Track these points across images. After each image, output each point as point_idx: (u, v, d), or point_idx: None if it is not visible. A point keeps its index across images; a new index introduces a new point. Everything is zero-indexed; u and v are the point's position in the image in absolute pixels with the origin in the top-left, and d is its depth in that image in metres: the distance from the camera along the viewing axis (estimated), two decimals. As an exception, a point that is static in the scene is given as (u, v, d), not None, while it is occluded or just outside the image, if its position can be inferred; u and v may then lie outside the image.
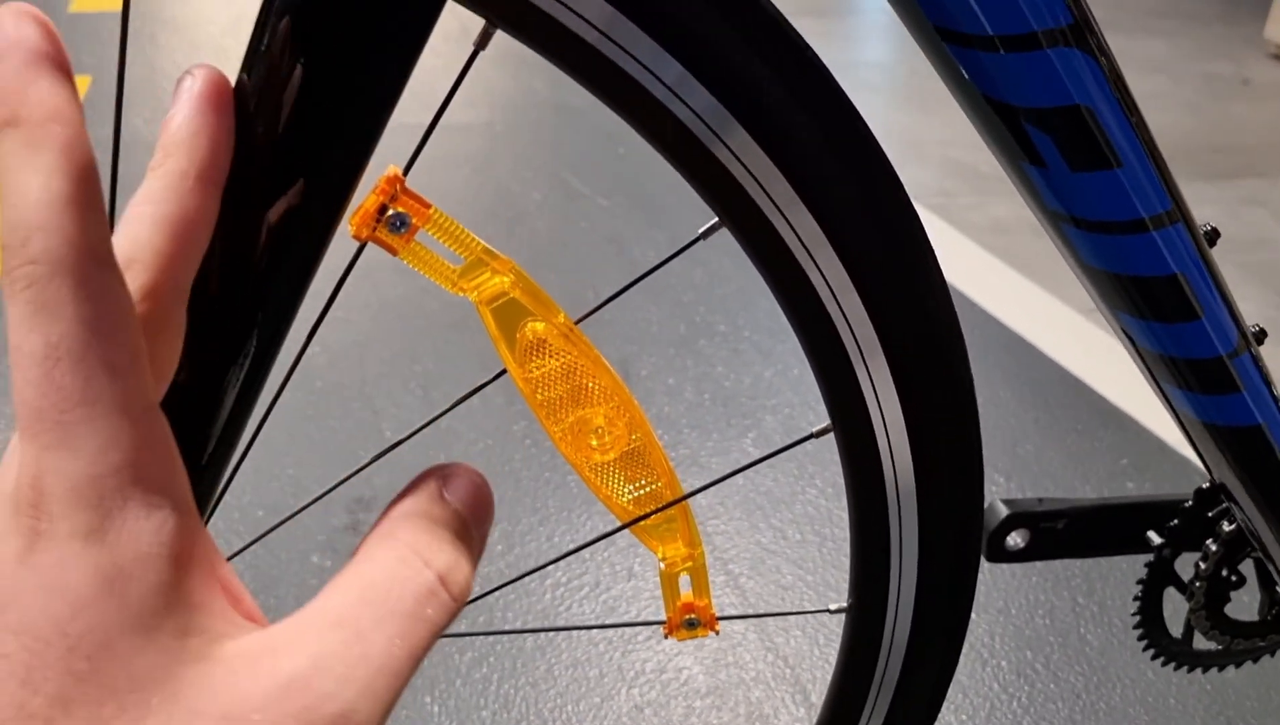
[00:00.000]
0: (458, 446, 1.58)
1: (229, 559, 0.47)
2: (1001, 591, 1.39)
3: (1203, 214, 0.58)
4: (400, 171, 0.45)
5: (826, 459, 1.57)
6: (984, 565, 1.41)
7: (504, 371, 0.51)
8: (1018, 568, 1.42)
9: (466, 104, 2.84)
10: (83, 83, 2.84)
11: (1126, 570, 1.41)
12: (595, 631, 1.30)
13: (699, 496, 1.52)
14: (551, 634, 1.30)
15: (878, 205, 0.50)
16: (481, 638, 1.29)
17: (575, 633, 1.30)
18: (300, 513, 0.62)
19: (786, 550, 1.44)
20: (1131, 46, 3.26)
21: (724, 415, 1.69)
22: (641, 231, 2.21)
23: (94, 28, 3.22)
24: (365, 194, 0.45)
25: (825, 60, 0.46)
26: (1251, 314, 0.64)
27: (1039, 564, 1.43)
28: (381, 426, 1.62)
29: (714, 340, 1.88)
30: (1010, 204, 2.44)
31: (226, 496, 1.29)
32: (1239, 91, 3.15)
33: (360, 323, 1.87)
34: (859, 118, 0.47)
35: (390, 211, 0.45)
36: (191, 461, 0.47)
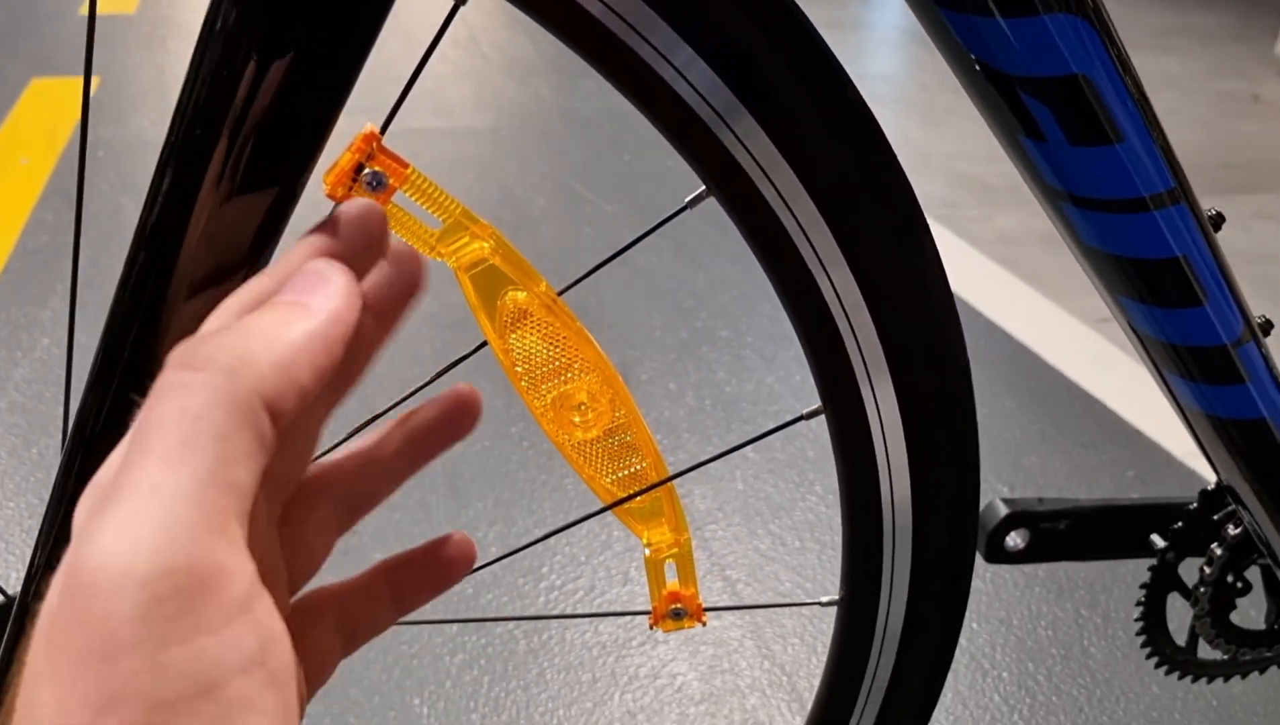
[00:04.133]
0: (454, 448, 1.56)
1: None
2: (1004, 602, 1.37)
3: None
4: (377, 130, 0.44)
5: (827, 467, 1.55)
6: (985, 576, 1.40)
7: (484, 343, 0.50)
8: (1020, 578, 1.40)
9: (474, 109, 2.84)
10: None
11: (1131, 582, 1.39)
12: (589, 635, 1.28)
13: (697, 499, 1.50)
14: (544, 636, 1.28)
15: (872, 179, 0.48)
16: (474, 641, 1.27)
17: (568, 635, 1.28)
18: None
19: (785, 557, 1.42)
20: (1144, 64, 3.21)
21: (724, 420, 1.68)
22: (648, 240, 2.19)
23: (103, 31, 3.23)
24: (341, 153, 0.44)
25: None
26: (1266, 329, 0.63)
27: (1041, 574, 1.41)
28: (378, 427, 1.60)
29: (716, 346, 1.86)
30: (1017, 216, 2.43)
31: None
32: (1250, 108, 3.13)
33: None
34: (851, 85, 0.46)
35: (366, 170, 0.44)
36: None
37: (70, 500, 0.47)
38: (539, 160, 2.62)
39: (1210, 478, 0.77)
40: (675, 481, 0.55)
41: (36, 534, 0.49)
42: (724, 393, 1.74)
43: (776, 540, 1.45)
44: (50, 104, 2.71)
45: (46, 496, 0.48)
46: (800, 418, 0.55)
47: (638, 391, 1.72)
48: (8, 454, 1.53)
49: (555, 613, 1.32)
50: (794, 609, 1.34)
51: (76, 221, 0.50)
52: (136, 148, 2.51)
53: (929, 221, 0.49)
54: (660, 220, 0.50)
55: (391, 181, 0.44)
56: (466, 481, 1.52)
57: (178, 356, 0.28)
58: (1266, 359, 0.62)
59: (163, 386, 0.27)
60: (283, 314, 0.30)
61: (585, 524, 1.45)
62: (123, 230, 2.05)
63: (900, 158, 0.48)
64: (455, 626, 1.29)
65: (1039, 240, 2.32)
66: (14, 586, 0.61)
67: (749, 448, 1.61)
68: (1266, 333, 0.63)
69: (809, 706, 1.21)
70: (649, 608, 0.59)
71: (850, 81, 0.46)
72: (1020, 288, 2.14)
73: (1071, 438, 1.69)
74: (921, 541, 0.59)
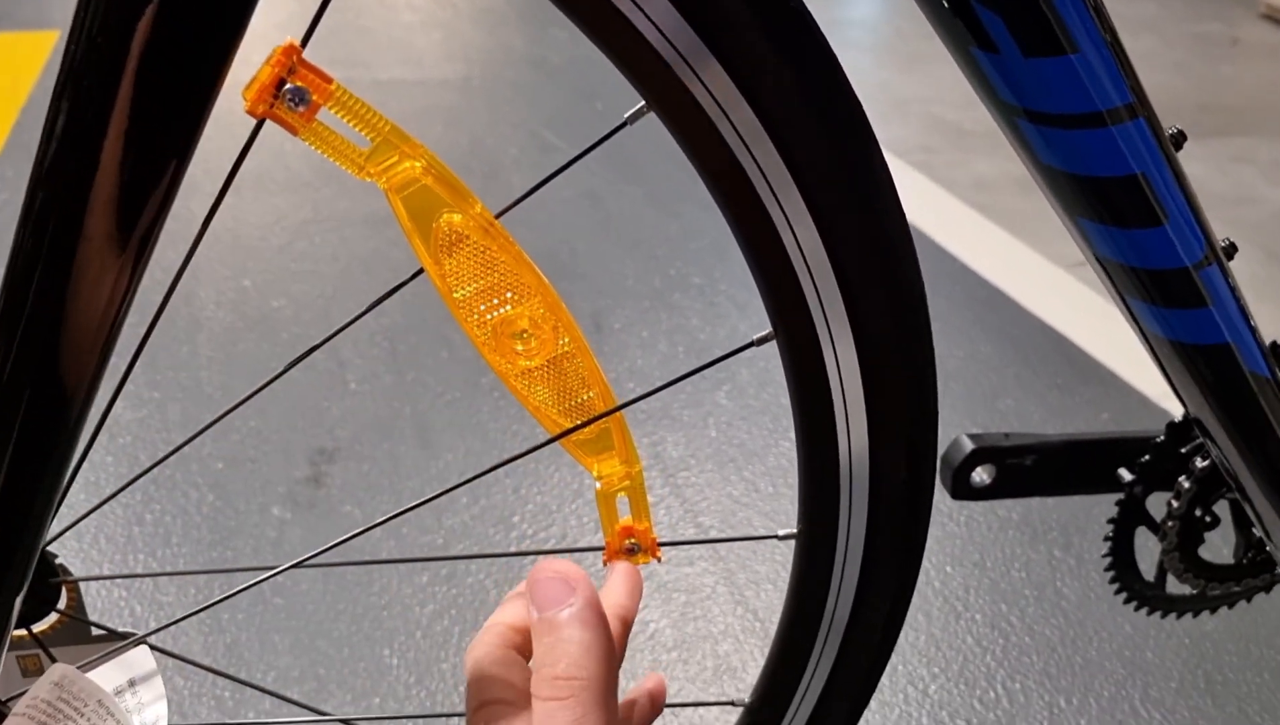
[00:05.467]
0: (424, 398, 1.55)
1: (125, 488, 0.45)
2: (977, 544, 1.36)
3: (1190, 171, 0.55)
4: (298, 42, 0.42)
5: (801, 412, 1.54)
6: (959, 519, 1.39)
7: (421, 270, 0.48)
8: (993, 521, 1.40)
9: (443, 59, 2.80)
10: (50, 37, 2.80)
11: (1103, 525, 1.38)
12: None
13: (669, 447, 1.49)
14: (515, 585, 1.27)
15: (816, 90, 0.46)
16: (444, 591, 1.26)
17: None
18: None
19: (759, 502, 1.42)
20: (1123, 8, 3.20)
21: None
22: (618, 186, 2.17)
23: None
24: (260, 68, 0.42)
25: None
26: (1239, 270, 0.61)
27: (1015, 518, 1.40)
28: (346, 378, 1.59)
29: (689, 293, 1.84)
30: (993, 161, 2.41)
31: (186, 448, 1.25)
32: (1228, 52, 3.11)
33: (328, 275, 1.83)
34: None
35: (288, 86, 0.42)
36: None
37: None
38: (510, 110, 2.58)
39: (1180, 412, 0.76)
40: (628, 416, 0.54)
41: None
42: (697, 340, 1.73)
43: (750, 486, 1.44)
44: (9, 58, 2.66)
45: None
46: (751, 343, 0.53)
47: (610, 340, 1.71)
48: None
49: (528, 561, 1.31)
50: (768, 556, 1.33)
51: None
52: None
53: (905, 166, 0.48)
54: (605, 134, 0.48)
55: (315, 98, 0.42)
56: (437, 432, 1.51)
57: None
58: (1229, 282, 0.60)
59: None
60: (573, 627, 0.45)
61: (557, 473, 1.44)
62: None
63: (877, 103, 0.47)
64: (425, 577, 1.28)
65: (1014, 185, 2.30)
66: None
67: (723, 396, 1.60)
68: (1230, 256, 0.62)
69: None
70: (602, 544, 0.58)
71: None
72: (995, 232, 2.13)
73: (1046, 381, 1.68)
74: (879, 473, 0.57)
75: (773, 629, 1.24)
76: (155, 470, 1.36)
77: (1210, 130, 2.59)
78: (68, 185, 0.41)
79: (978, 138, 2.50)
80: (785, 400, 1.63)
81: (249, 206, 1.96)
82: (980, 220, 2.17)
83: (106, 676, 0.53)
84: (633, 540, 0.58)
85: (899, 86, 2.86)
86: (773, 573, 1.31)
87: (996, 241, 2.09)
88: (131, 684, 0.53)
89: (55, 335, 0.43)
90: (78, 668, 0.51)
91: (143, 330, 0.49)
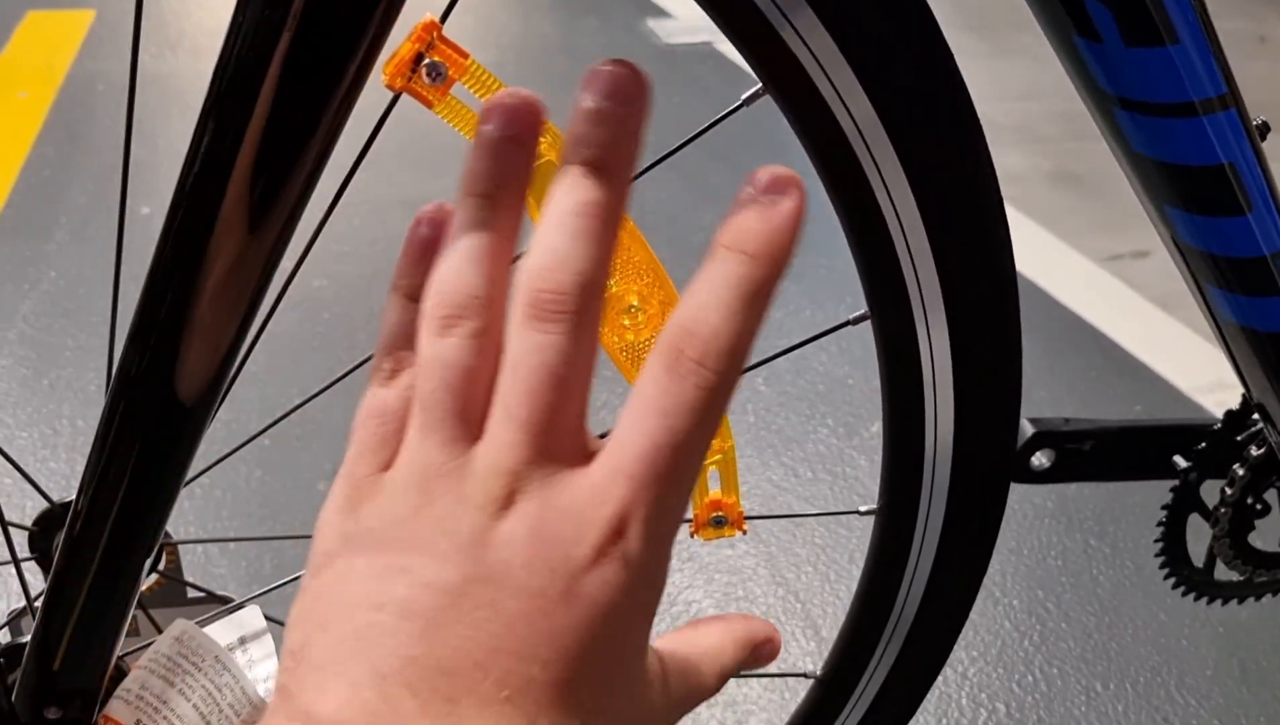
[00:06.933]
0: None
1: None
2: (1014, 532, 1.38)
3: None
4: (437, 19, 0.43)
5: (838, 399, 1.56)
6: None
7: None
8: (1029, 509, 1.41)
9: (475, 45, 2.79)
10: (86, 16, 2.81)
11: (1139, 513, 1.40)
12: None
13: (710, 433, 1.51)
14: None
15: (928, 78, 0.48)
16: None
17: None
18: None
19: (798, 488, 1.43)
20: (1148, 3, 3.20)
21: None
22: (654, 174, 2.18)
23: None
24: (400, 42, 0.43)
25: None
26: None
27: (1051, 506, 1.42)
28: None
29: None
30: (1024, 154, 2.42)
31: (234, 425, 1.27)
32: (1256, 49, 3.11)
33: (368, 256, 1.85)
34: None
35: (426, 61, 0.43)
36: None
37: (111, 446, 0.47)
38: (542, 97, 2.59)
39: (1222, 402, 0.77)
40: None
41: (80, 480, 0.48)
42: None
43: (789, 471, 1.46)
44: (46, 37, 2.67)
45: (59, 427, 0.48)
46: (847, 322, 0.55)
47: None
48: (19, 386, 1.53)
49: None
50: (808, 538, 1.35)
51: (125, 164, 0.49)
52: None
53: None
54: (720, 115, 0.49)
55: (451, 73, 0.44)
56: (478, 413, 1.52)
57: None
58: (1305, 273, 0.62)
59: None
60: None
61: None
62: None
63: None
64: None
65: (1046, 178, 2.31)
66: (27, 517, 0.61)
67: (760, 381, 1.62)
68: (1306, 247, 0.63)
69: (823, 633, 1.23)
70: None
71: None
72: (1028, 225, 2.14)
73: (1080, 373, 1.70)
74: (961, 455, 0.59)
75: (814, 610, 1.26)
76: (202, 446, 1.38)
77: (1239, 127, 2.58)
78: (210, 186, 0.41)
79: (1009, 131, 2.51)
80: (822, 387, 1.64)
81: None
82: (1013, 213, 2.17)
83: (218, 634, 0.54)
84: (720, 513, 0.60)
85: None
86: (813, 554, 1.33)
87: (1028, 235, 2.10)
88: (242, 641, 0.55)
89: (192, 336, 0.44)
90: (195, 624, 0.53)
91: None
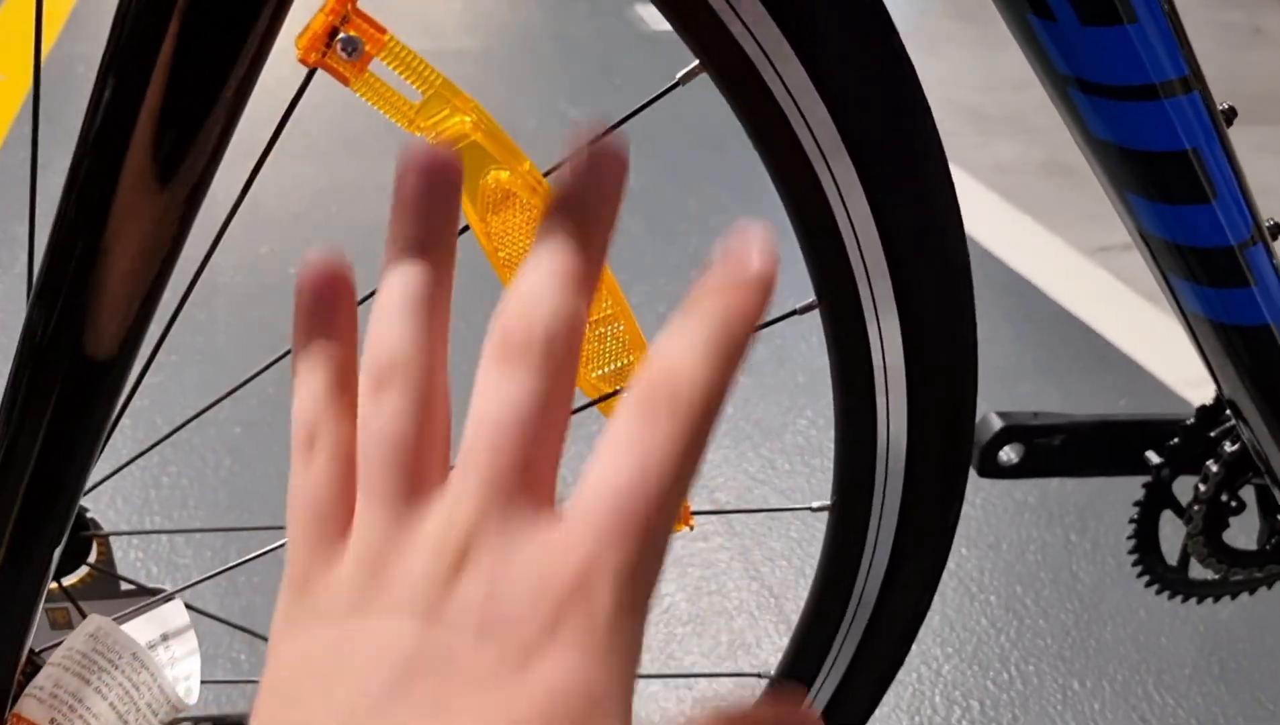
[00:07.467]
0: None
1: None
2: (992, 526, 1.36)
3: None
4: (351, -9, 0.41)
5: (818, 390, 1.54)
6: (975, 501, 1.39)
7: (465, 227, 0.48)
8: (1009, 503, 1.39)
9: (463, 30, 2.78)
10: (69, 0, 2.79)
11: (1120, 509, 1.37)
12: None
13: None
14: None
15: (872, 59, 0.46)
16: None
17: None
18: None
19: (774, 479, 1.41)
20: (1144, -6, 3.18)
21: (715, 345, 1.66)
22: (637, 161, 2.16)
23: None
24: (313, 15, 0.41)
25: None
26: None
27: (1031, 500, 1.40)
28: (364, 344, 1.58)
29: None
30: (1014, 144, 2.39)
31: (206, 414, 1.24)
32: (1251, 40, 3.09)
33: (345, 243, 1.82)
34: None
35: (341, 35, 0.41)
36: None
37: (19, 416, 0.45)
38: (529, 83, 2.57)
39: (1207, 397, 0.75)
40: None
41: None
42: (715, 317, 1.72)
43: (766, 463, 1.44)
44: (25, 18, 2.65)
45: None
46: (794, 312, 0.53)
47: (627, 315, 1.70)
48: (-12, 370, 1.51)
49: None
50: (783, 532, 1.33)
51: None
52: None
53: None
54: (652, 97, 0.47)
55: (368, 48, 0.42)
56: (456, 400, 1.50)
57: None
58: (1274, 263, 0.60)
59: None
60: None
61: (573, 445, 1.43)
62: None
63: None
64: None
65: (1036, 169, 2.29)
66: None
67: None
68: (1275, 237, 0.61)
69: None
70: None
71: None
72: (1016, 216, 2.12)
73: (1065, 365, 1.68)
74: (916, 448, 0.57)
75: (787, 605, 1.24)
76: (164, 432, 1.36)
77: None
78: (113, 140, 0.40)
79: (998, 121, 2.48)
80: (801, 378, 1.63)
81: (266, 173, 1.92)
82: (1001, 204, 2.16)
83: (140, 630, 0.53)
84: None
85: (922, 69, 2.82)
86: (788, 549, 1.31)
87: (1017, 225, 2.08)
88: (164, 638, 0.53)
89: (99, 295, 0.43)
90: (112, 620, 0.51)
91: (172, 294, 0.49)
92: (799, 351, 1.62)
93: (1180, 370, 1.65)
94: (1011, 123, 2.46)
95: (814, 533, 1.32)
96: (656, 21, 2.89)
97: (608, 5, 3.05)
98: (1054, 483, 1.43)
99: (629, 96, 2.55)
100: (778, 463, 1.44)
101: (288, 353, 0.51)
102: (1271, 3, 3.43)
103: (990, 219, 2.08)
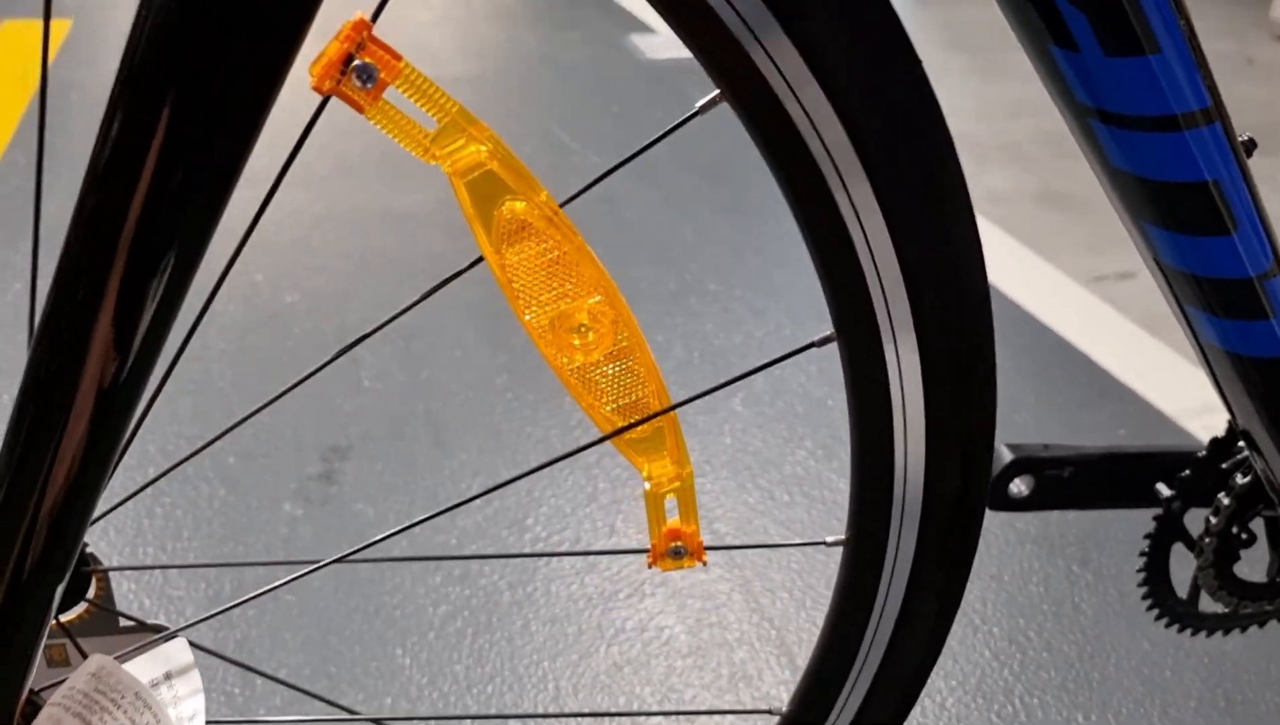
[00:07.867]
0: (438, 397, 1.54)
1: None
2: (994, 558, 1.35)
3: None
4: (368, 18, 0.40)
5: (817, 421, 1.53)
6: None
7: (480, 259, 0.47)
8: (1011, 535, 1.38)
9: (457, 56, 2.78)
10: (63, 25, 2.79)
11: (1123, 540, 1.37)
12: (574, 587, 1.26)
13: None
14: (529, 588, 1.26)
15: (896, 90, 0.45)
16: (457, 592, 1.25)
17: (553, 588, 1.26)
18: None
19: (774, 511, 1.40)
20: (1134, 25, 3.20)
21: (713, 373, 1.65)
22: (635, 190, 2.16)
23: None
24: (328, 42, 0.41)
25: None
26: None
27: (1033, 532, 1.39)
28: (360, 376, 1.57)
29: (704, 298, 1.83)
30: (1008, 173, 2.40)
31: (199, 442, 1.23)
32: (1244, 71, 3.10)
33: (341, 271, 1.82)
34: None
35: (356, 62, 0.41)
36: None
37: (23, 452, 0.44)
38: (524, 109, 2.57)
39: (1207, 426, 0.75)
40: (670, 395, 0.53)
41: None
42: (712, 345, 1.72)
43: (765, 494, 1.43)
44: (20, 47, 2.64)
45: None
46: (812, 344, 0.52)
47: (625, 343, 1.69)
48: (-21, 399, 1.50)
49: (541, 564, 1.29)
50: (784, 563, 1.32)
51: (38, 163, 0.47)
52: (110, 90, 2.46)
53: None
54: (672, 125, 0.47)
55: (383, 75, 0.41)
56: (450, 432, 1.49)
57: None
58: (1293, 295, 0.59)
59: None
60: None
61: (571, 476, 1.43)
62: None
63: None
64: (439, 577, 1.27)
65: (1030, 198, 2.29)
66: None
67: (738, 403, 1.59)
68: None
69: (798, 661, 1.20)
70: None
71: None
72: (1012, 246, 2.12)
73: (1064, 396, 1.67)
74: (933, 482, 0.56)
75: (789, 637, 1.23)
76: (161, 461, 1.35)
77: (1225, 149, 2.57)
78: (121, 180, 0.39)
79: (993, 150, 2.49)
80: (800, 408, 1.62)
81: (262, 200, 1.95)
82: (997, 233, 2.16)
83: (143, 669, 0.51)
84: (679, 543, 0.57)
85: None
86: (788, 580, 1.30)
87: (1012, 255, 2.08)
88: (168, 676, 0.52)
89: (105, 330, 0.42)
90: (114, 659, 0.49)
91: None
92: (797, 382, 1.61)
93: (1179, 400, 1.64)
94: (1005, 151, 2.46)
95: (814, 564, 1.31)
96: (652, 50, 2.90)
97: (602, 34, 3.06)
98: (1055, 514, 1.43)
99: (626, 123, 2.55)
100: (777, 494, 1.43)
101: (286, 390, 0.50)
102: (1264, 34, 3.46)
103: (985, 249, 2.08)
